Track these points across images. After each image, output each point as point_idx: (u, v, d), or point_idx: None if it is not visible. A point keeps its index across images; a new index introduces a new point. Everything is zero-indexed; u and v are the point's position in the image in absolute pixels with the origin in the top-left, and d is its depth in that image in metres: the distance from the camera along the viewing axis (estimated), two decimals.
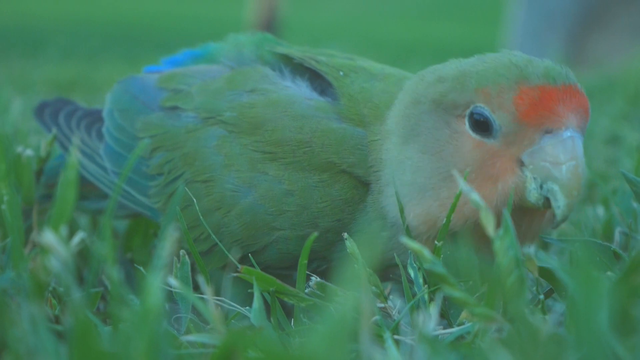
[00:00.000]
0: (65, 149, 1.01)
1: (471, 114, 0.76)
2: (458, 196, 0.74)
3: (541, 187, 0.74)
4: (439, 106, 0.77)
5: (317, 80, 0.90)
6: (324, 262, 0.83)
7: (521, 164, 0.75)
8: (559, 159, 0.73)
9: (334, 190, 0.82)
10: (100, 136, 0.99)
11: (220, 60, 0.98)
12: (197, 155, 0.88)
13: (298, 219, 0.82)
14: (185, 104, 0.92)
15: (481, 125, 0.75)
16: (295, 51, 0.95)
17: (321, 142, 0.83)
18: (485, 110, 0.75)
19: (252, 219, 0.84)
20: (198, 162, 0.88)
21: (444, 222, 0.75)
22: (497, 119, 0.75)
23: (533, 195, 0.74)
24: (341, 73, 0.89)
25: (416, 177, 0.78)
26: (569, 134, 0.74)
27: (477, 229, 0.73)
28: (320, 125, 0.84)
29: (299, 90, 0.88)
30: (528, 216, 0.76)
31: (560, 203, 0.72)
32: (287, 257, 0.84)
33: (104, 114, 0.99)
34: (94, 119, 1.02)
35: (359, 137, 0.83)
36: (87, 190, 1.01)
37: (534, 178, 0.74)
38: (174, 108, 0.93)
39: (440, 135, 0.77)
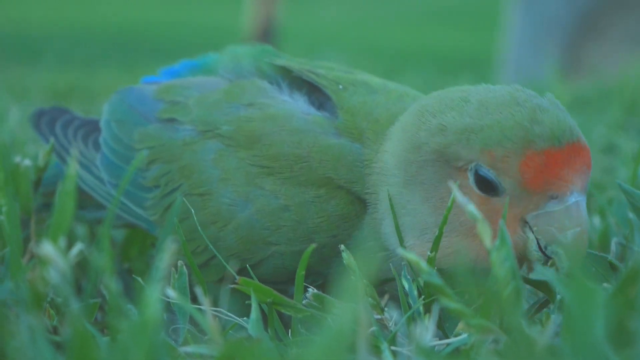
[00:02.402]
0: (62, 159, 1.01)
1: (476, 171, 0.75)
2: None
3: (545, 247, 0.74)
4: (440, 156, 0.76)
5: (315, 93, 0.90)
6: (319, 278, 0.83)
7: (524, 222, 0.75)
8: (565, 225, 0.73)
9: (330, 205, 0.82)
10: (96, 146, 0.99)
11: (218, 72, 0.98)
12: (194, 169, 0.88)
13: (294, 234, 0.82)
14: (182, 116, 0.92)
15: (486, 184, 0.75)
16: (294, 63, 0.94)
17: (319, 158, 0.83)
18: (491, 173, 0.74)
19: (248, 233, 0.84)
20: (195, 175, 0.88)
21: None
22: (503, 182, 0.74)
23: (534, 255, 0.75)
24: (340, 86, 0.89)
25: (417, 222, 0.78)
26: (574, 199, 0.73)
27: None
28: (318, 141, 0.84)
29: (297, 105, 0.88)
30: None
31: (564, 265, 0.72)
32: (282, 272, 0.84)
33: (101, 124, 0.99)
34: (90, 129, 1.02)
35: (357, 153, 0.83)
36: (84, 199, 1.00)
37: (537, 239, 0.74)
38: (171, 120, 0.92)
39: (444, 187, 0.76)
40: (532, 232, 0.75)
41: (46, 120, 1.06)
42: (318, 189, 0.83)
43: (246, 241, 0.84)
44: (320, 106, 0.89)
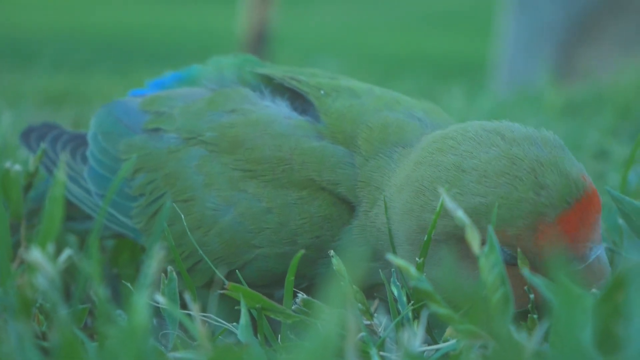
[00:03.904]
0: (51, 172, 1.02)
1: None
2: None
3: None
4: (451, 237, 0.74)
5: (298, 100, 0.91)
6: (304, 280, 0.84)
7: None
8: (589, 283, 0.71)
9: (312, 207, 0.83)
10: (84, 159, 0.99)
11: (202, 82, 0.99)
12: (178, 176, 0.89)
13: (277, 237, 0.83)
14: (167, 125, 0.93)
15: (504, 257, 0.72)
16: (277, 71, 0.95)
17: (301, 160, 0.84)
18: (505, 251, 0.72)
19: (232, 237, 0.84)
20: (179, 182, 0.88)
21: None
22: (520, 255, 0.72)
23: None
24: (322, 92, 0.89)
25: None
26: (593, 254, 0.72)
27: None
28: (300, 143, 0.84)
29: (279, 110, 0.89)
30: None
31: None
32: (266, 275, 0.84)
33: (88, 138, 1.00)
34: (78, 142, 1.03)
35: (340, 155, 0.84)
36: (73, 210, 1.01)
37: None
38: (157, 130, 0.93)
39: (463, 264, 0.74)
40: None
41: (35, 137, 1.07)
42: (300, 191, 0.83)
43: (230, 245, 0.85)
44: (303, 112, 0.89)
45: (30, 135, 1.08)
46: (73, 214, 1.02)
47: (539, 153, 0.73)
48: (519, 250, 0.72)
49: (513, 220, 0.71)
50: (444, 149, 0.77)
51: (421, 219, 0.76)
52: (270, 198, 0.84)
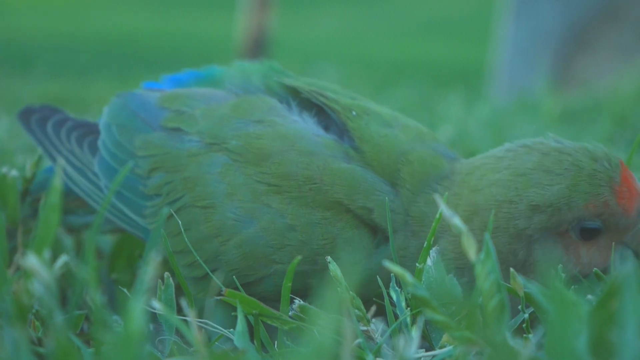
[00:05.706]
0: (54, 160, 0.98)
1: (581, 227, 0.80)
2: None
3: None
4: (544, 230, 0.80)
5: (322, 115, 0.90)
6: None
7: (622, 243, 0.82)
8: None
9: (335, 228, 0.83)
10: (92, 150, 0.96)
11: (224, 85, 0.97)
12: (198, 181, 0.87)
13: (298, 255, 0.81)
14: (188, 126, 0.91)
15: (591, 231, 0.81)
16: (302, 84, 0.94)
17: (331, 181, 0.83)
18: (596, 222, 0.80)
19: (252, 250, 0.84)
20: (199, 188, 0.87)
21: None
22: (608, 224, 0.80)
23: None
24: (354, 113, 0.89)
25: None
26: None
27: None
28: (329, 164, 0.84)
29: (307, 126, 0.88)
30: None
31: None
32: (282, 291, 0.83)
33: (101, 127, 0.97)
34: (86, 130, 0.99)
35: (371, 180, 0.84)
36: (74, 205, 0.99)
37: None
38: (177, 129, 0.91)
39: (565, 256, 0.81)
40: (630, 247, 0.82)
41: (36, 119, 1.02)
42: (325, 211, 0.83)
43: (249, 257, 0.84)
44: (326, 129, 0.89)
45: (30, 118, 1.03)
46: (74, 208, 1.00)
47: (569, 142, 0.83)
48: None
49: (598, 190, 0.80)
50: (496, 168, 0.83)
51: (512, 228, 0.81)
52: (294, 215, 0.83)
